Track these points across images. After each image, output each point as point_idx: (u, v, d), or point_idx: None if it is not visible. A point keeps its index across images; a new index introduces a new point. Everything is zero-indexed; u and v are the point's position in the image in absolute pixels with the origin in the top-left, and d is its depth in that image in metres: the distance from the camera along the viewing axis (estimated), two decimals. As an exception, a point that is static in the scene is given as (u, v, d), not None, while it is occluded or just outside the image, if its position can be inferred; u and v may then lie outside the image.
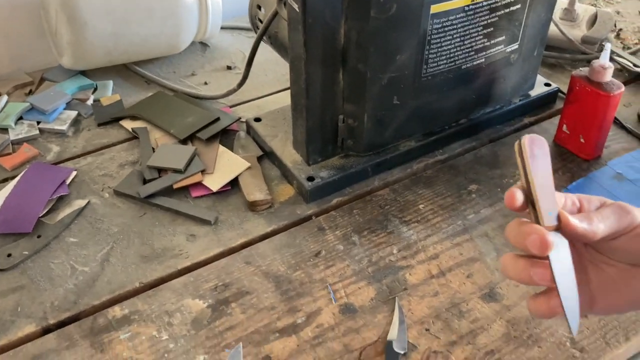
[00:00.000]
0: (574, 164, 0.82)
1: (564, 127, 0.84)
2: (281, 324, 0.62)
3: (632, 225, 0.41)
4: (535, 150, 0.40)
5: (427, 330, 0.62)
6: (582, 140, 0.82)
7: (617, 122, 0.89)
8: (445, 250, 0.70)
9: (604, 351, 0.60)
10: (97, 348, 0.60)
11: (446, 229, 0.73)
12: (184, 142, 0.84)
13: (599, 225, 0.40)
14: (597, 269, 0.44)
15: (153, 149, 0.84)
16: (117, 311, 0.64)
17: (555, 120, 0.90)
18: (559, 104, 0.94)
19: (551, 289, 0.42)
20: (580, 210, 0.43)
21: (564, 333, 0.61)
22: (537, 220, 0.41)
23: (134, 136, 0.88)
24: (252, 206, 0.75)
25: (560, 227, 0.40)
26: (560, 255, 0.40)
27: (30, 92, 0.97)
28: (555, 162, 0.82)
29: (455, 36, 0.73)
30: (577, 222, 0.40)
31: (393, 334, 0.61)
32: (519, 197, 0.41)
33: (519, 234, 0.41)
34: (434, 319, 0.63)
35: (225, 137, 0.87)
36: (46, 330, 0.62)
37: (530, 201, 0.41)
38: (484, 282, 0.66)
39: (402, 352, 0.59)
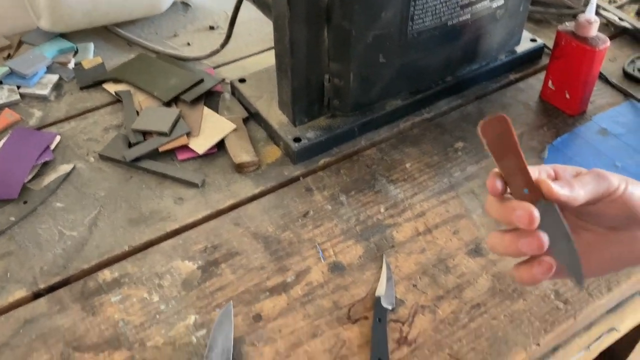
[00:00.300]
0: (559, 119, 0.83)
1: (550, 83, 0.84)
2: (271, 283, 0.63)
3: (609, 191, 0.41)
4: (497, 131, 0.40)
5: (414, 285, 0.63)
6: (567, 96, 0.82)
7: (603, 77, 0.89)
8: (431, 207, 0.71)
9: (587, 302, 0.61)
10: (88, 311, 0.61)
11: (432, 186, 0.73)
12: (168, 104, 0.83)
13: (579, 192, 0.41)
14: (575, 234, 0.45)
15: (137, 112, 0.83)
16: (107, 275, 0.64)
17: (541, 76, 0.89)
18: (545, 60, 0.93)
19: (533, 257, 0.43)
20: (556, 180, 0.43)
21: (549, 286, 0.62)
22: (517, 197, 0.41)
23: (117, 99, 0.87)
24: (239, 168, 0.75)
25: (543, 196, 0.41)
26: (551, 220, 0.41)
27: (9, 56, 0.95)
28: (540, 118, 0.83)
29: (440, -8, 0.72)
30: (559, 189, 0.40)
31: (381, 290, 0.62)
32: (498, 184, 0.41)
33: (504, 211, 0.41)
34: (421, 274, 0.64)
35: (210, 99, 0.86)
36: (37, 295, 0.63)
37: (505, 181, 0.41)
38: (470, 237, 0.67)
39: (390, 308, 0.60)
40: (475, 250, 0.66)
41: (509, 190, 0.42)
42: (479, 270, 0.64)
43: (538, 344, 0.58)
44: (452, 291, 0.62)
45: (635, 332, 0.94)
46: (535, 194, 0.40)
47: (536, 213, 0.39)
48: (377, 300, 0.61)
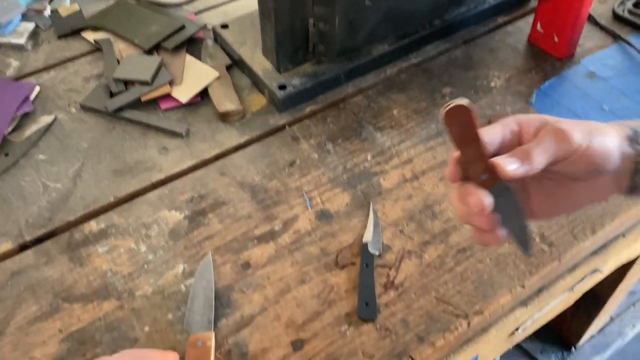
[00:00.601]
0: (548, 63, 0.82)
1: (538, 26, 0.83)
2: (259, 232, 0.63)
3: (570, 151, 0.41)
4: (459, 119, 0.40)
5: (401, 231, 0.63)
6: (555, 39, 0.81)
7: (592, 19, 0.88)
8: (418, 154, 0.70)
9: (572, 244, 0.62)
10: (75, 262, 0.61)
11: (420, 133, 0.73)
12: (149, 52, 0.81)
13: (537, 160, 0.40)
14: (537, 183, 0.44)
15: (118, 60, 0.81)
16: (93, 226, 0.64)
17: (530, 19, 0.88)
18: (534, 2, 0.92)
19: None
20: (520, 136, 0.43)
21: (534, 229, 0.63)
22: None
23: (97, 48, 0.84)
24: (224, 117, 0.74)
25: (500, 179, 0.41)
26: (506, 200, 0.42)
27: (-18, 4, 0.92)
28: (529, 61, 0.82)
29: None
30: (513, 170, 0.40)
31: (368, 237, 0.62)
32: (456, 171, 0.42)
33: (461, 196, 0.42)
34: (408, 220, 0.64)
35: (192, 45, 0.83)
36: (23, 247, 0.62)
37: (464, 167, 0.41)
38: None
39: (377, 253, 0.61)
40: (462, 196, 0.66)
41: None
42: (466, 215, 0.64)
43: (523, 286, 0.59)
44: (438, 236, 0.63)
45: (617, 274, 0.97)
46: (493, 177, 0.41)
47: (487, 201, 0.40)
48: (364, 247, 0.61)
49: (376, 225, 0.63)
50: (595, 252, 0.67)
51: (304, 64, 0.77)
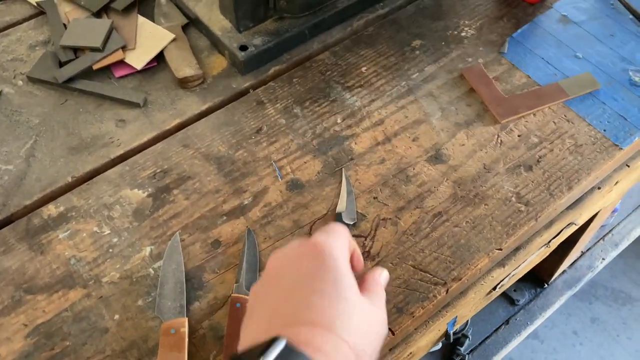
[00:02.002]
0: (519, 9, 0.78)
1: (509, -31, 0.79)
2: (228, 207, 0.61)
3: None
4: None
5: (375, 198, 0.61)
6: (527, -18, 0.77)
7: (564, -41, 0.84)
8: (390, 114, 0.68)
9: (548, 202, 0.61)
10: (36, 250, 0.58)
11: (390, 91, 0.70)
12: (97, 14, 0.75)
13: None
14: None
15: (64, 25, 0.75)
16: (51, 209, 0.60)
17: (500, -40, 0.84)
18: (504, -59, 0.87)
19: None
20: None
21: (510, 189, 0.62)
22: None
23: (40, 11, 0.78)
24: (183, 83, 0.70)
25: None
26: None
27: None
28: (500, 8, 0.78)
29: None
30: None
31: (342, 206, 0.60)
32: None
33: None
34: (382, 186, 0.62)
35: (144, 5, 0.78)
36: (-22, 238, 0.59)
37: None
38: (430, 144, 0.65)
39: (351, 223, 0.59)
40: (436, 157, 0.64)
41: None
42: (440, 177, 0.63)
43: (500, 249, 0.58)
44: (413, 201, 0.61)
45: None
46: None
47: None
48: (338, 216, 0.59)
49: (349, 193, 0.61)
50: (570, 207, 0.67)
51: (265, 21, 0.73)
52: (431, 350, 1.24)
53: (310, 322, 0.38)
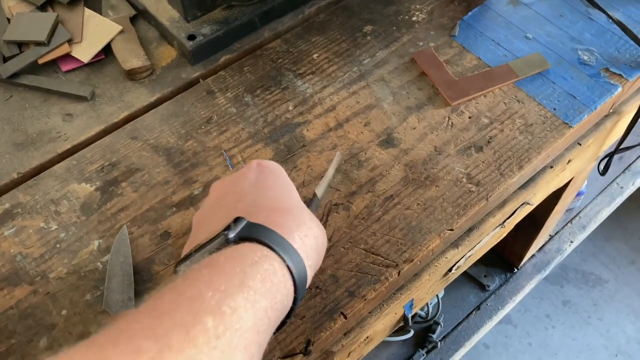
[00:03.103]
0: (470, -8, 0.79)
1: (459, -48, 0.79)
2: (177, 198, 0.60)
3: None
4: None
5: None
6: (477, -35, 0.78)
7: (514, -59, 0.84)
8: (341, 100, 0.67)
9: (499, 182, 0.61)
10: (-19, 249, 0.56)
11: (342, 77, 0.69)
12: (42, 8, 0.73)
13: None
14: None
15: (8, 19, 0.73)
16: (-3, 207, 0.59)
17: (451, -56, 0.84)
18: None
19: None
20: None
21: (461, 170, 0.62)
22: None
23: (-16, 6, 0.76)
24: (131, 75, 0.68)
25: None
26: None
27: None
28: (450, -8, 0.78)
29: None
30: None
31: (320, 190, 0.59)
32: None
33: None
34: (334, 172, 0.62)
35: (91, -3, 0.76)
36: None
37: None
38: (381, 128, 0.65)
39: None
40: (387, 141, 0.64)
41: None
42: (391, 161, 0.62)
43: (451, 229, 0.58)
44: (365, 185, 0.61)
45: (553, 196, 0.98)
46: None
47: None
48: (315, 198, 0.58)
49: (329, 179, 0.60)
50: (523, 186, 0.67)
51: (214, 10, 0.72)
52: (403, 338, 1.25)
53: (269, 207, 0.40)
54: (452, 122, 0.65)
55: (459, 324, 1.35)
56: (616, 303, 1.70)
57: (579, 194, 1.41)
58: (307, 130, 0.65)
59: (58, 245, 0.57)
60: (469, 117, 0.66)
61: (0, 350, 0.50)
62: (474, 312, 1.38)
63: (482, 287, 1.40)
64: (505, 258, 1.41)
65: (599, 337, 1.65)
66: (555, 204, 1.10)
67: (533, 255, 1.43)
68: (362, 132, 0.65)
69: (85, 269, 0.55)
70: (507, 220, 0.71)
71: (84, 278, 0.55)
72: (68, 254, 0.56)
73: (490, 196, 0.60)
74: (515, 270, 1.41)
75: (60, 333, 0.52)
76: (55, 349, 0.51)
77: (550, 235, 1.45)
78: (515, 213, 0.71)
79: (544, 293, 1.72)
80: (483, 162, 0.62)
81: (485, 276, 1.41)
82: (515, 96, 0.67)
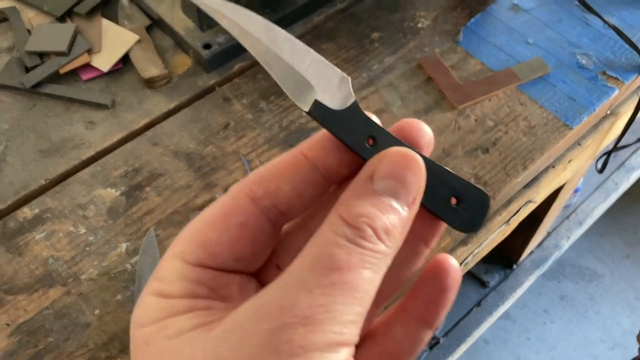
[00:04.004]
0: (472, -1, 0.82)
1: (461, -39, 0.82)
2: (200, 201, 0.63)
3: None
4: None
5: (342, 186, 0.64)
6: (479, -27, 0.81)
7: (513, -51, 0.88)
8: (352, 105, 0.70)
9: (505, 182, 0.64)
10: (14, 252, 0.59)
11: (352, 83, 0.72)
12: (61, 19, 0.76)
13: None
14: None
15: (28, 31, 0.76)
16: (26, 212, 0.62)
17: (452, -47, 0.87)
18: None
19: None
20: None
21: (469, 170, 0.65)
22: None
23: (2, 18, 0.79)
24: (149, 83, 0.71)
25: None
26: None
27: None
28: (453, -1, 0.81)
29: None
30: None
31: None
32: None
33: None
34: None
35: (107, 8, 0.79)
36: (-46, 243, 0.60)
37: None
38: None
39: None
40: (398, 144, 0.67)
41: None
42: (403, 163, 0.65)
43: (461, 227, 0.61)
44: (378, 187, 0.64)
45: (551, 195, 1.01)
46: None
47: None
48: None
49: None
50: (527, 186, 0.70)
51: (228, 19, 0.75)
52: (407, 334, 1.28)
53: None
54: (458, 125, 0.68)
55: (461, 319, 1.39)
56: (612, 297, 1.74)
57: (575, 191, 1.45)
58: (321, 134, 0.68)
59: (87, 248, 0.59)
60: (475, 120, 0.69)
61: (39, 349, 0.53)
62: (475, 309, 1.42)
63: (482, 284, 1.44)
64: (504, 255, 1.44)
65: (596, 331, 1.69)
66: (553, 201, 1.13)
67: (532, 252, 1.46)
68: (373, 136, 0.68)
69: (115, 271, 0.58)
70: (512, 218, 0.74)
71: (114, 279, 0.57)
72: (97, 256, 0.59)
73: (497, 195, 0.63)
74: (514, 266, 1.45)
75: (94, 331, 0.54)
76: (90, 346, 0.54)
77: (548, 231, 1.49)
78: (520, 211, 0.74)
79: (541, 288, 1.76)
80: (489, 163, 0.65)
81: (485, 273, 1.44)
82: (518, 99, 0.71)
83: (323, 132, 0.26)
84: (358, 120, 0.26)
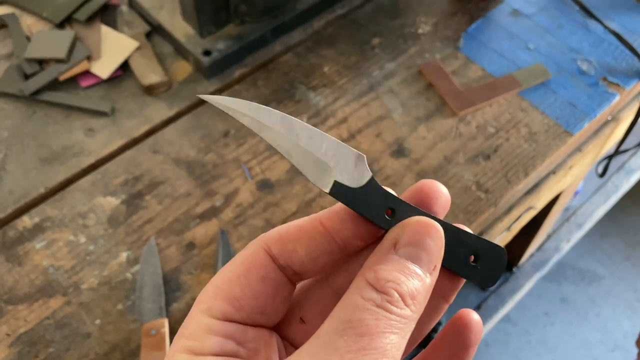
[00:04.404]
0: (472, 4, 0.82)
1: (461, -34, 0.82)
2: (200, 209, 0.62)
3: None
4: None
5: (343, 193, 0.64)
6: (479, -22, 0.81)
7: (513, -46, 0.88)
8: (353, 112, 0.70)
9: (506, 189, 0.64)
10: (14, 261, 0.59)
11: (352, 89, 0.72)
12: (60, 26, 0.76)
13: None
14: None
15: (28, 37, 0.75)
16: (26, 221, 0.61)
17: (453, -43, 0.87)
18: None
19: None
20: None
21: (470, 178, 0.65)
22: None
23: (1, 24, 0.78)
24: (149, 90, 0.71)
25: None
26: None
27: None
28: (453, 4, 0.81)
29: None
30: None
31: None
32: None
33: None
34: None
35: (106, 14, 0.79)
36: (-47, 253, 0.60)
37: None
38: (393, 138, 0.68)
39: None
40: (398, 151, 0.67)
41: None
42: (404, 170, 0.65)
43: (463, 235, 0.61)
44: (379, 194, 0.63)
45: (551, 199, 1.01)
46: None
47: None
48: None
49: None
50: (528, 192, 0.70)
51: (227, 25, 0.75)
52: (407, 337, 1.28)
53: None
54: (460, 132, 0.68)
55: (461, 322, 1.39)
56: (612, 299, 1.74)
57: (575, 193, 1.45)
58: (322, 141, 0.68)
59: (88, 257, 0.59)
60: (476, 127, 0.69)
61: (40, 359, 0.53)
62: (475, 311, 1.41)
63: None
64: (504, 257, 1.44)
65: (597, 333, 1.68)
66: (553, 205, 1.13)
67: (532, 255, 1.46)
68: (374, 143, 0.67)
69: (115, 280, 0.58)
70: (513, 225, 0.74)
71: (115, 288, 0.57)
72: (98, 266, 0.59)
73: (498, 202, 0.63)
74: (515, 269, 1.45)
75: (95, 341, 0.54)
76: (90, 356, 0.53)
77: (548, 234, 1.48)
78: (521, 217, 0.74)
79: (542, 291, 1.75)
80: (491, 170, 0.65)
81: (485, 275, 1.44)
82: (519, 105, 0.70)
83: (340, 204, 0.28)
84: (376, 194, 0.27)
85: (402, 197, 0.28)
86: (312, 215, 0.28)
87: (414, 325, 0.24)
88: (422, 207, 0.28)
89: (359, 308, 0.23)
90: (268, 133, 0.28)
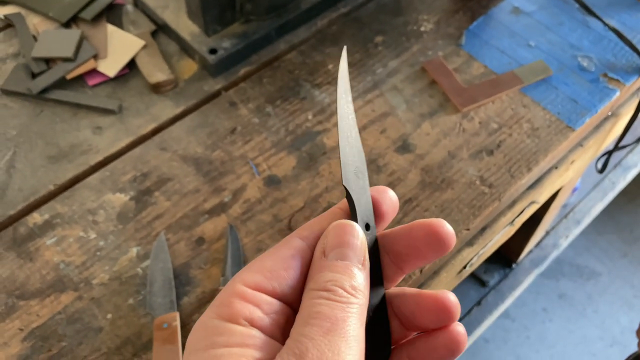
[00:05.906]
0: (474, 2, 0.83)
1: (462, -35, 0.83)
2: (208, 205, 0.63)
3: None
4: None
5: (349, 189, 0.64)
6: (480, -24, 0.82)
7: (513, -47, 0.89)
8: (358, 108, 0.71)
9: (510, 184, 0.65)
10: (25, 258, 0.59)
11: (357, 87, 0.73)
12: (67, 25, 0.76)
13: None
14: None
15: (34, 37, 0.76)
16: (36, 218, 0.62)
17: (453, -44, 0.88)
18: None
19: None
20: None
21: (474, 173, 0.66)
22: None
23: (8, 24, 0.79)
24: (156, 88, 0.72)
25: None
26: None
27: None
28: (455, 2, 0.82)
29: None
30: None
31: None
32: None
33: None
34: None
35: (112, 13, 0.79)
36: (-35, 249, 0.60)
37: None
38: (397, 135, 0.69)
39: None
40: (403, 147, 0.68)
41: None
42: (408, 166, 0.66)
43: (468, 229, 0.62)
44: (385, 189, 0.64)
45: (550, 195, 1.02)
46: None
47: None
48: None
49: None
50: (531, 187, 0.71)
51: (232, 24, 0.75)
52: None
53: None
54: (463, 128, 0.69)
55: (461, 319, 1.40)
56: (610, 295, 1.75)
57: (573, 190, 1.46)
58: (327, 138, 0.68)
59: (98, 253, 0.60)
60: (479, 123, 0.70)
61: (53, 353, 0.54)
62: (475, 308, 1.42)
63: (482, 283, 1.45)
64: (503, 254, 1.45)
65: (595, 329, 1.70)
66: (552, 201, 1.14)
67: (530, 251, 1.47)
68: (379, 139, 0.68)
69: (126, 275, 0.58)
70: (516, 219, 0.75)
71: (126, 283, 0.58)
72: (108, 261, 0.59)
73: (502, 197, 0.64)
74: (514, 266, 1.46)
75: (107, 336, 0.55)
76: (103, 350, 0.54)
77: (546, 230, 1.50)
78: (524, 212, 0.75)
79: (540, 287, 1.77)
80: (494, 165, 0.66)
81: (485, 272, 1.45)
82: (522, 102, 0.71)
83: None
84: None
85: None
86: (331, 209, 0.32)
87: (366, 307, 0.27)
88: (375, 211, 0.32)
89: (314, 305, 0.26)
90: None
